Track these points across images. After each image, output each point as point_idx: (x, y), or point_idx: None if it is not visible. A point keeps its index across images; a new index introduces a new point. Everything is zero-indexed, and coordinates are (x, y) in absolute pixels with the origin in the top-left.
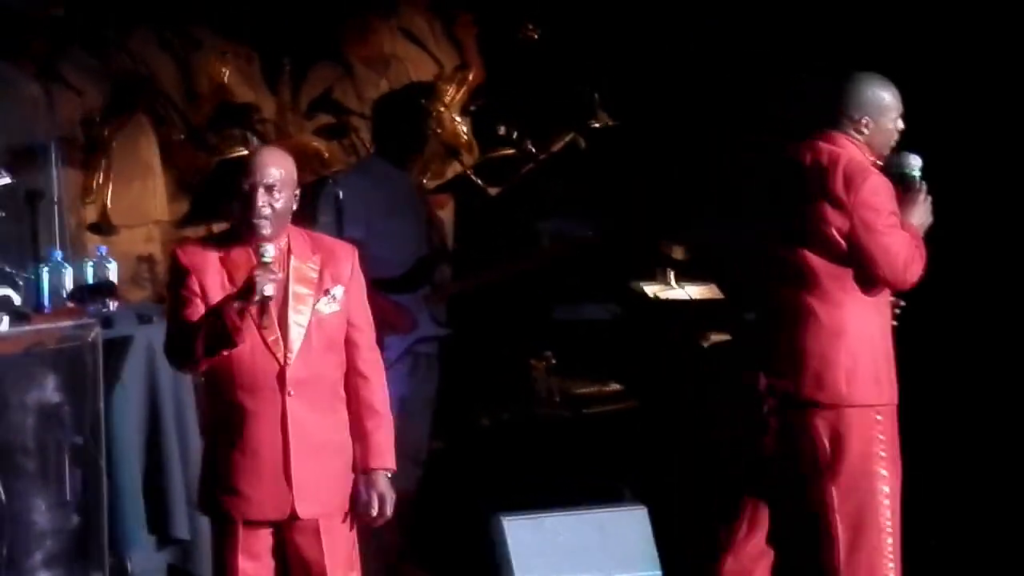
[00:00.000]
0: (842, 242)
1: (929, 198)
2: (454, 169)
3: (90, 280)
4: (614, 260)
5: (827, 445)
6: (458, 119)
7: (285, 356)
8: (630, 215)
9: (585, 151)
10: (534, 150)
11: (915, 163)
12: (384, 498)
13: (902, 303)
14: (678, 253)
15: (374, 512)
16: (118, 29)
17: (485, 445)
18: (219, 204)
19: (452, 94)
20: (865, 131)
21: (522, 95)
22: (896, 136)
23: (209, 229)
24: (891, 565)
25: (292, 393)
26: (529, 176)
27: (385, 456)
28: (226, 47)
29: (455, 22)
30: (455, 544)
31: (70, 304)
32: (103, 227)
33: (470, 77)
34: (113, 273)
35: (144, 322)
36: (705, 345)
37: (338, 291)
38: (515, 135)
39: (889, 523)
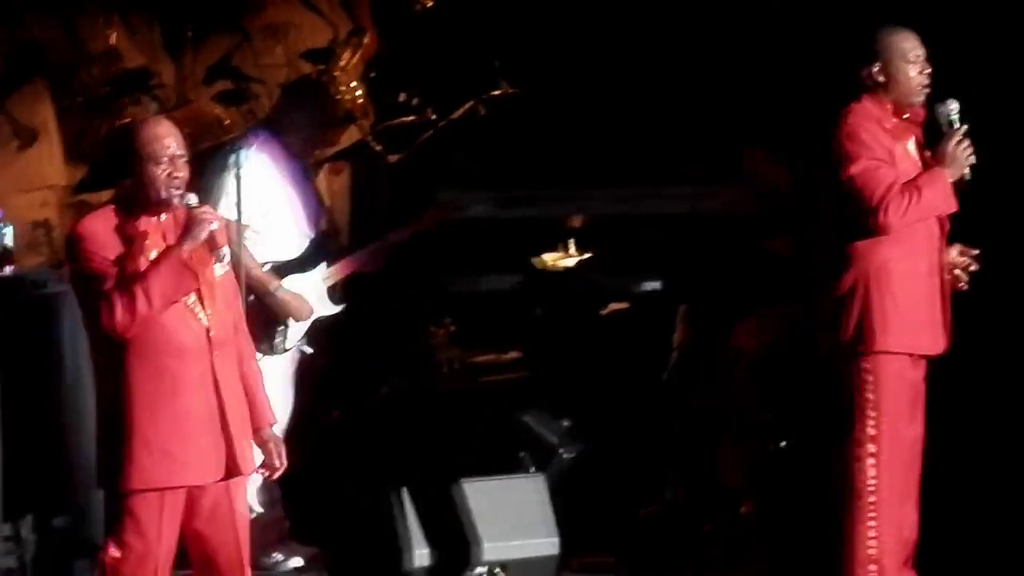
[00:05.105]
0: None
1: (964, 142)
2: (350, 136)
3: None
4: (514, 229)
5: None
6: (354, 84)
7: (208, 317)
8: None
9: (485, 119)
10: (434, 117)
11: (947, 109)
12: (281, 449)
13: (974, 251)
14: (576, 222)
15: (279, 463)
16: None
17: (384, 414)
18: (118, 170)
19: (348, 59)
20: (880, 79)
21: (421, 62)
22: (921, 81)
23: (112, 195)
24: (872, 525)
25: (216, 354)
26: (429, 143)
27: (269, 410)
28: (126, 14)
29: None
30: (352, 514)
31: None
32: None
33: (365, 41)
34: (8, 238)
35: (39, 288)
36: (603, 313)
37: (225, 251)
38: (415, 102)
39: (873, 482)
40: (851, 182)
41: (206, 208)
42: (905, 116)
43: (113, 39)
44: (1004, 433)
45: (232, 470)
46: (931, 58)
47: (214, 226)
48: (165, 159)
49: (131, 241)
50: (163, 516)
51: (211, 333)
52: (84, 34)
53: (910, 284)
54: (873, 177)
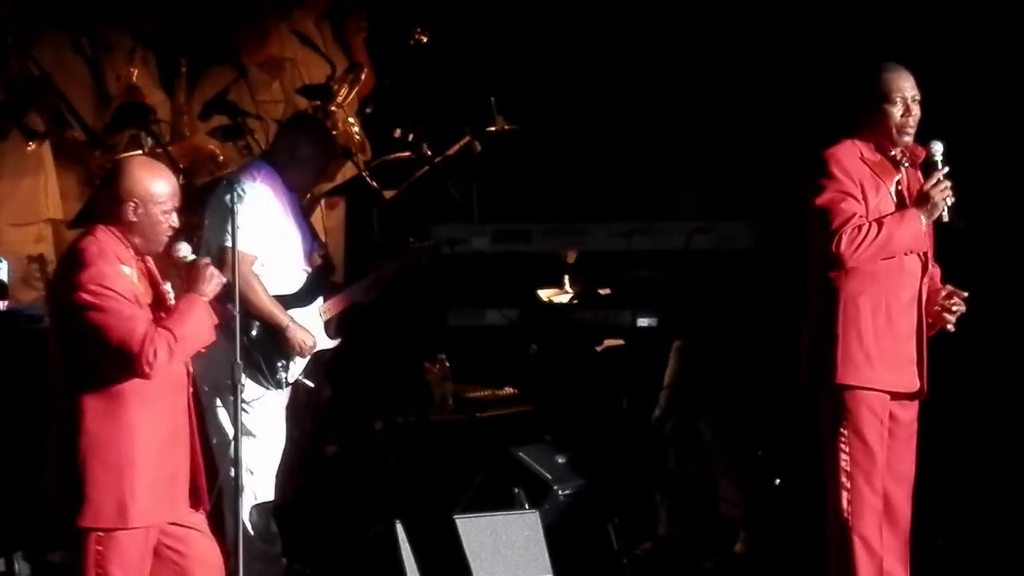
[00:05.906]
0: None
1: (943, 183)
2: (345, 172)
3: None
4: (510, 265)
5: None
6: (351, 119)
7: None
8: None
9: (481, 155)
10: (430, 153)
11: (930, 150)
12: None
13: (964, 294)
14: (571, 258)
15: None
16: (27, 32)
17: (379, 449)
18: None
19: (344, 94)
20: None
21: (418, 98)
22: (902, 123)
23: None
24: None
25: (190, 387)
26: (424, 179)
27: None
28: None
29: (344, 25)
30: (347, 550)
31: None
32: None
33: (362, 77)
34: (3, 273)
35: (34, 323)
36: (599, 349)
37: (168, 286)
38: (411, 138)
39: (847, 515)
40: (816, 212)
41: (206, 260)
42: (892, 154)
43: (134, 77)
44: (1004, 439)
45: (196, 499)
46: (935, 62)
47: (224, 279)
48: (169, 213)
49: (136, 285)
50: (147, 547)
51: (189, 367)
52: (106, 71)
53: (882, 320)
54: (835, 208)
